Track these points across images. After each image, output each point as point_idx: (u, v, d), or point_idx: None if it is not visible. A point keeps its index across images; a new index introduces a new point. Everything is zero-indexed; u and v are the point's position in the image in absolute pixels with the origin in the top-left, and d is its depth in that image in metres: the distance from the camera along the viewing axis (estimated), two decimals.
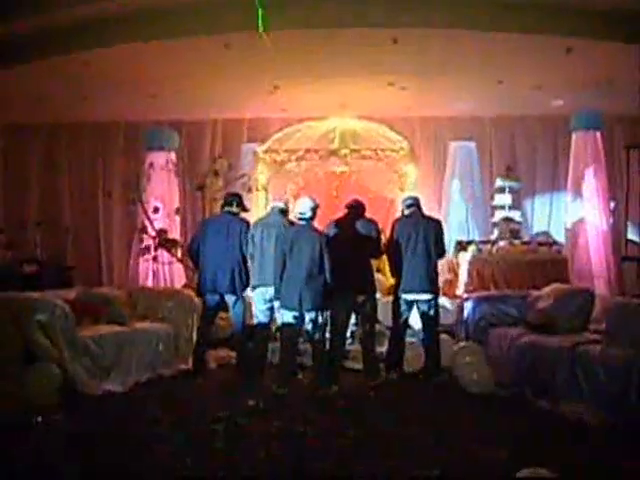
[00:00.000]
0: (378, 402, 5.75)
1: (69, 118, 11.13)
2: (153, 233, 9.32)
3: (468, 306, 7.36)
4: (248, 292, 6.95)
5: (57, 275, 10.06)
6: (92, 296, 6.93)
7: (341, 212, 6.89)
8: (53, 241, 11.22)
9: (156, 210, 9.55)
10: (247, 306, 7.03)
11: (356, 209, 6.72)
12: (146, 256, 9.48)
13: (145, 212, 9.48)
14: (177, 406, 5.53)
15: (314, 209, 6.41)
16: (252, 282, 6.83)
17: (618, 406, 5.12)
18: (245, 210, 7.22)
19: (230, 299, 6.91)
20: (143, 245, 9.44)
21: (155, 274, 9.76)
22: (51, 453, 4.29)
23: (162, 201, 9.89)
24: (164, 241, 9.20)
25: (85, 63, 7.76)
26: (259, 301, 6.74)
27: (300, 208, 6.42)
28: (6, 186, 11.54)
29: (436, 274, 6.69)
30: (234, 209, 7.03)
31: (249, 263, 6.85)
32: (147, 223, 9.40)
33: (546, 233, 10.99)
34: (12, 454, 4.25)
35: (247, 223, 6.98)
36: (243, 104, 10.22)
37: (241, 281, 6.85)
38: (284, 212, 6.94)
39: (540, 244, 10.11)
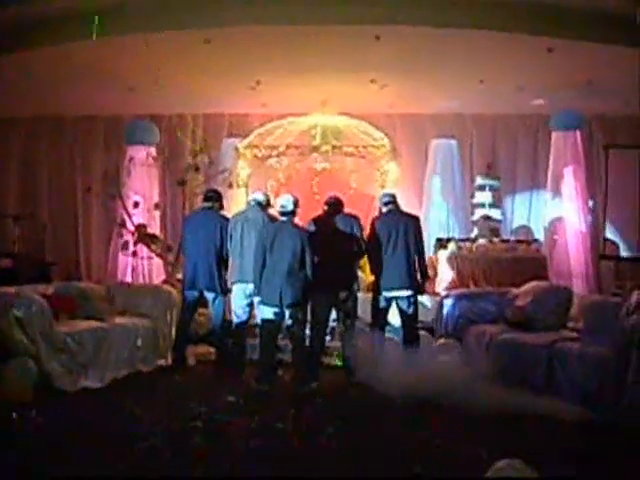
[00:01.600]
0: (358, 399, 5.75)
1: (48, 112, 11.03)
2: (132, 228, 9.25)
3: (447, 303, 7.41)
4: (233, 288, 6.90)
5: (35, 270, 9.95)
6: (70, 291, 6.85)
7: (321, 209, 6.88)
8: (31, 236, 11.10)
9: (136, 205, 9.48)
10: (226, 302, 7.00)
11: (335, 206, 6.72)
12: (125, 251, 9.39)
13: (124, 207, 9.41)
14: (156, 402, 5.49)
15: (296, 203, 6.40)
16: (232, 278, 6.81)
17: (595, 402, 5.18)
18: (221, 208, 7.18)
19: (210, 295, 6.89)
20: (122, 240, 9.36)
21: (134, 269, 9.69)
22: (26, 450, 4.24)
23: (142, 196, 9.81)
24: (143, 236, 9.12)
25: (64, 56, 7.68)
26: (239, 297, 6.73)
27: (282, 201, 6.42)
28: None
29: (415, 271, 6.70)
30: (213, 205, 7.01)
31: (230, 259, 6.82)
32: (126, 218, 9.32)
33: (525, 228, 11.06)
34: None
35: (226, 219, 6.96)
36: (224, 99, 10.18)
37: (220, 278, 6.83)
38: (263, 205, 6.91)
39: (519, 242, 10.17)
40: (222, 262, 6.84)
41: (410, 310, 6.64)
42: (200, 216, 7.09)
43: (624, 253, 10.70)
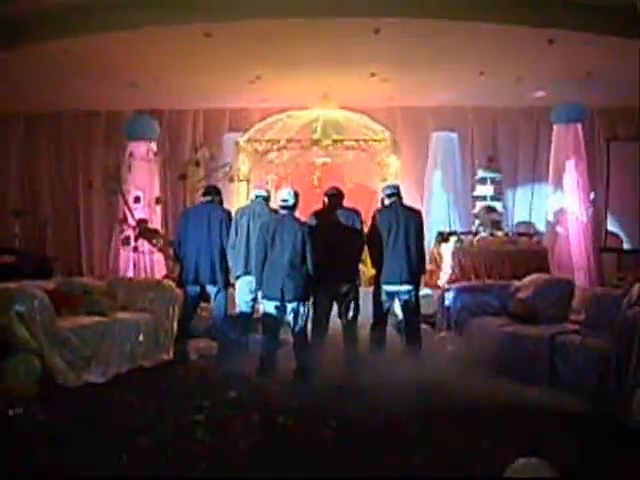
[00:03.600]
0: (359, 392, 5.74)
1: (49, 107, 11.04)
2: (133, 223, 9.25)
3: (449, 296, 7.39)
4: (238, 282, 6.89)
5: (36, 265, 9.95)
6: (71, 286, 6.84)
7: (322, 201, 6.86)
8: (32, 231, 11.12)
9: (137, 200, 9.49)
10: (229, 296, 7.00)
11: (335, 197, 6.69)
12: (126, 246, 9.40)
13: (125, 202, 9.41)
14: (158, 397, 5.48)
15: (296, 196, 6.39)
16: (236, 272, 6.79)
17: (596, 395, 5.18)
18: (220, 203, 7.18)
19: (212, 290, 6.89)
20: (123, 235, 9.37)
21: (136, 264, 9.71)
22: (29, 445, 4.24)
23: (143, 191, 9.82)
24: (144, 231, 9.13)
25: (64, 51, 7.68)
26: (243, 291, 6.71)
27: (283, 196, 6.40)
28: None
29: (418, 265, 6.68)
30: (213, 199, 7.01)
31: (230, 252, 6.81)
32: (127, 213, 9.33)
33: (527, 223, 11.06)
34: None
35: (228, 212, 6.95)
36: (224, 94, 10.19)
37: (222, 271, 6.82)
38: (267, 200, 6.93)
39: (521, 235, 10.17)
40: (224, 255, 6.83)
41: (410, 305, 6.63)
42: (202, 210, 7.07)
43: (626, 245, 10.69)
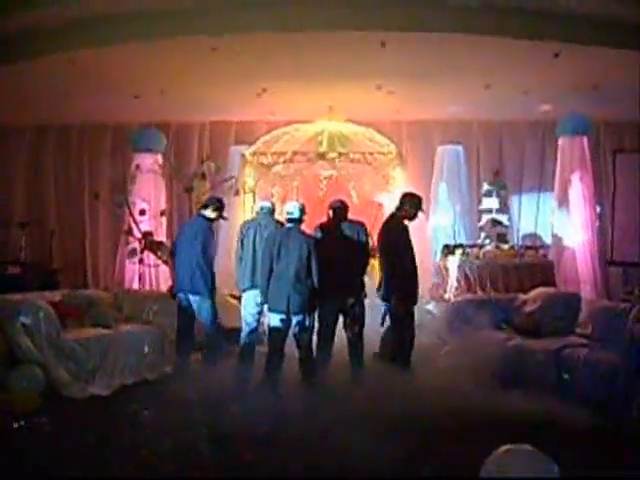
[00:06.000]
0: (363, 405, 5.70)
1: (55, 120, 11.10)
2: (139, 235, 9.26)
3: (455, 310, 7.36)
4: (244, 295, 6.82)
5: (42, 277, 9.97)
6: (77, 298, 6.86)
7: (326, 215, 6.86)
8: (38, 243, 11.14)
9: (142, 212, 9.50)
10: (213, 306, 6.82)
11: (340, 210, 6.69)
12: (132, 258, 9.41)
13: (131, 214, 9.43)
14: (162, 410, 5.45)
15: (302, 210, 6.39)
16: (242, 285, 6.75)
17: (604, 408, 5.14)
18: (223, 218, 7.10)
19: (194, 300, 6.73)
20: (129, 247, 9.37)
21: (141, 276, 9.70)
22: (33, 458, 4.23)
23: (148, 203, 9.83)
24: (150, 243, 9.13)
25: (70, 62, 7.69)
26: (249, 304, 6.67)
27: (289, 208, 6.41)
28: None
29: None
30: (207, 212, 6.87)
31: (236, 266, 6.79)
32: (133, 225, 9.34)
33: (534, 236, 11.03)
34: None
35: (209, 221, 6.86)
36: (231, 107, 10.22)
37: (203, 281, 6.65)
38: (272, 212, 6.92)
39: (527, 248, 10.14)
40: (205, 265, 6.65)
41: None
42: (193, 223, 7.06)
43: (632, 259, 10.64)
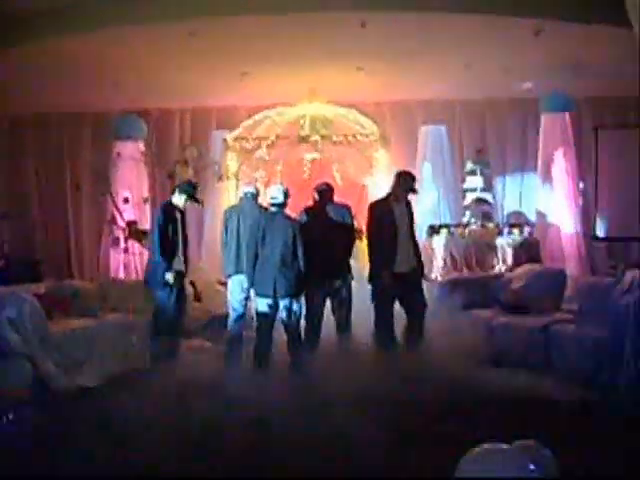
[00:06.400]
0: (355, 387, 5.70)
1: (34, 109, 10.94)
2: (123, 224, 9.19)
3: (442, 289, 7.39)
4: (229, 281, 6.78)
5: (26, 269, 9.89)
6: (62, 290, 6.80)
7: (312, 197, 6.84)
8: (21, 235, 11.04)
9: (125, 201, 9.43)
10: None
11: (326, 193, 6.68)
12: (116, 247, 9.35)
13: (114, 203, 9.35)
14: (151, 399, 5.42)
15: (286, 194, 6.36)
16: (227, 271, 6.74)
17: (592, 383, 5.18)
18: (196, 201, 6.92)
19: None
20: (113, 237, 9.31)
21: (126, 266, 9.64)
22: (21, 451, 4.20)
23: (131, 191, 9.75)
24: (134, 232, 9.08)
25: (42, 53, 7.60)
26: (235, 290, 6.65)
27: (273, 193, 6.37)
28: None
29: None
30: (174, 198, 6.70)
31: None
32: (117, 214, 9.27)
33: (518, 213, 11.05)
34: None
35: (160, 208, 6.79)
36: (211, 92, 10.12)
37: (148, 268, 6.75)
38: (256, 197, 6.88)
39: (512, 226, 10.16)
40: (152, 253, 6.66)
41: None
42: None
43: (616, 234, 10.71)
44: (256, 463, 4.02)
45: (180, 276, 6.63)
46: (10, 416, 4.87)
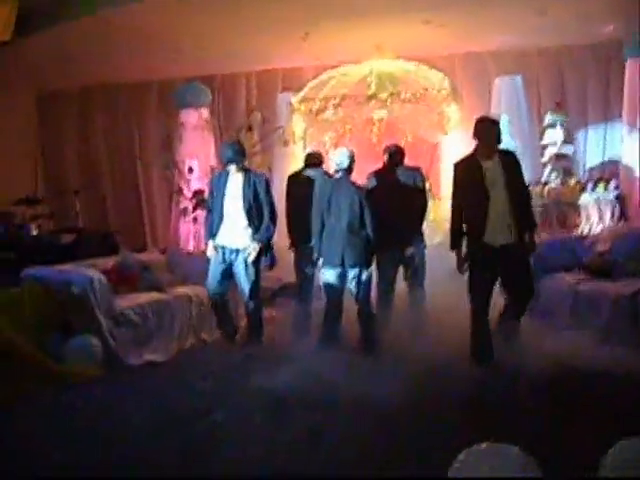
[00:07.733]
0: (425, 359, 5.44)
1: (100, 80, 10.97)
2: (189, 194, 9.13)
3: None
4: None
5: (100, 242, 9.95)
6: (129, 264, 6.76)
7: (381, 160, 6.54)
8: (94, 207, 11.17)
9: (190, 170, 9.34)
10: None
11: (395, 155, 6.37)
12: (185, 218, 9.32)
13: (180, 172, 9.29)
14: (219, 375, 5.32)
15: (352, 158, 6.06)
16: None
17: None
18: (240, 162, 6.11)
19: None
20: (181, 207, 9.28)
21: (195, 235, 9.61)
22: (91, 428, 4.17)
23: (197, 160, 9.66)
24: (201, 202, 8.99)
25: (106, 23, 7.54)
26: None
27: (337, 158, 6.08)
28: (44, 156, 11.50)
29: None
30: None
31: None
32: (183, 184, 9.21)
33: (601, 166, 10.38)
34: (50, 429, 4.16)
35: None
36: (275, 54, 9.91)
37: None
38: (319, 161, 6.61)
39: (597, 180, 9.55)
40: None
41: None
42: None
43: None
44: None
45: None
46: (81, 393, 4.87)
